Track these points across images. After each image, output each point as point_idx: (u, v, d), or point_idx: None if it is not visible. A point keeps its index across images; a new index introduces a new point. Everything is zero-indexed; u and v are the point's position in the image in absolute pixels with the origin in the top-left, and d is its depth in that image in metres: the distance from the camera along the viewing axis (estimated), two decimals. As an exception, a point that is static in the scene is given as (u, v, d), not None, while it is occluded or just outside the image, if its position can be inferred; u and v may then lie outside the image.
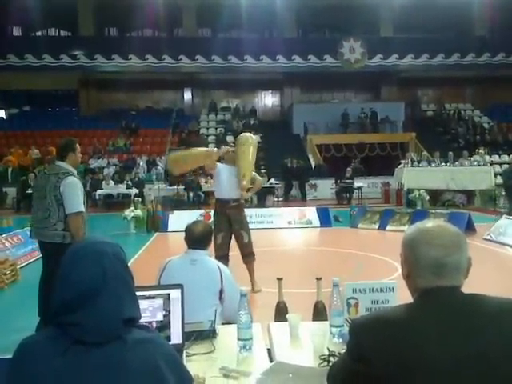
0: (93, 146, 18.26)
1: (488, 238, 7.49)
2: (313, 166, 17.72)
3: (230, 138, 19.18)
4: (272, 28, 22.87)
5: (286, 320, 1.96)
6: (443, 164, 13.04)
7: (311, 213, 10.14)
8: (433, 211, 8.99)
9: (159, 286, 1.92)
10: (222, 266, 2.73)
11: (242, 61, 20.32)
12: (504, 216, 7.80)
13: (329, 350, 1.66)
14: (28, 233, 6.05)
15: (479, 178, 12.34)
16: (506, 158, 17.97)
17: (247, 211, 9.67)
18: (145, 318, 1.77)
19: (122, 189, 14.53)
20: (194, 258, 2.67)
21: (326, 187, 16.05)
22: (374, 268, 6.00)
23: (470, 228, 7.95)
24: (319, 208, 10.44)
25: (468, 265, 1.19)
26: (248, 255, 4.93)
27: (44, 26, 20.53)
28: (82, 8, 20.60)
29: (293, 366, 1.52)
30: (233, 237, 5.01)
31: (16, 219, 9.03)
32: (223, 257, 4.81)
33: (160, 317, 1.78)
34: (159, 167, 16.99)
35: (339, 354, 1.59)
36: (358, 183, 14.71)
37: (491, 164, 14.34)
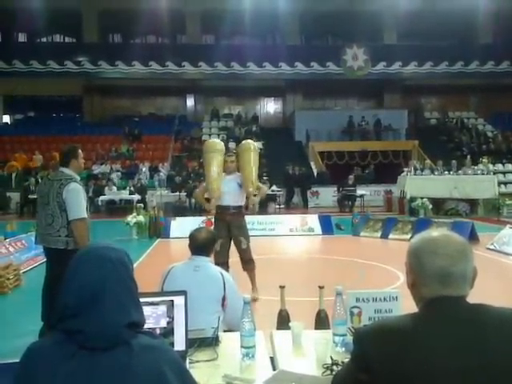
0: (96, 152, 18.33)
1: (491, 247, 7.45)
2: (315, 174, 17.73)
3: (232, 145, 19.22)
4: (275, 35, 23.01)
5: (288, 328, 1.96)
6: (446, 172, 13.02)
7: (313, 220, 10.12)
8: (436, 220, 8.94)
9: (163, 293, 1.93)
10: (224, 272, 2.73)
11: (245, 68, 20.43)
12: (508, 226, 7.76)
13: (332, 358, 1.65)
14: (32, 238, 6.08)
15: (483, 186, 12.30)
16: (510, 166, 17.91)
17: (249, 218, 9.73)
18: (148, 324, 1.78)
19: (125, 195, 14.57)
20: (197, 265, 2.68)
21: (328, 195, 16.03)
22: (377, 276, 5.98)
23: (473, 237, 7.90)
24: (321, 216, 10.42)
25: (473, 274, 1.19)
26: (247, 262, 4.90)
27: (49, 32, 20.74)
28: (86, 14, 20.78)
29: (296, 374, 1.52)
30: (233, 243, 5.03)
31: (20, 224, 9.05)
32: (223, 264, 4.80)
33: (164, 323, 1.78)
34: (161, 173, 17.03)
35: (342, 362, 1.59)
36: (360, 191, 14.69)
37: (495, 173, 14.30)
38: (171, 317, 1.79)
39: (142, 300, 1.78)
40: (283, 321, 2.77)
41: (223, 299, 2.56)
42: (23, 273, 6.11)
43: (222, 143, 5.12)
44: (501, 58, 20.85)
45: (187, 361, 1.72)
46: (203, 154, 5.08)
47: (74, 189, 3.41)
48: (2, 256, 6.21)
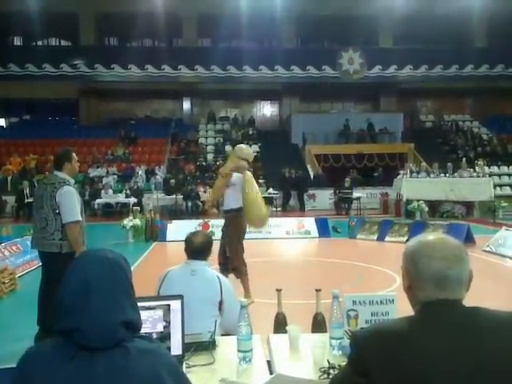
0: (92, 155, 18.29)
1: (488, 249, 7.48)
2: (311, 176, 17.75)
3: (228, 148, 19.24)
4: (271, 38, 23.06)
5: (285, 331, 1.96)
6: (442, 175, 13.08)
7: (310, 223, 10.13)
8: (432, 222, 8.99)
9: (159, 297, 1.92)
10: (221, 276, 2.72)
11: (241, 71, 20.46)
12: (504, 228, 7.79)
13: (329, 362, 1.65)
14: (27, 242, 6.06)
15: (478, 189, 12.35)
16: (505, 169, 18.03)
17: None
18: (145, 328, 1.77)
19: (121, 198, 14.53)
20: (193, 269, 2.66)
21: (324, 197, 16.06)
22: (373, 279, 5.99)
23: (469, 239, 7.94)
24: (318, 218, 10.43)
25: (469, 277, 1.19)
26: (233, 269, 4.82)
27: (45, 35, 20.65)
28: (82, 18, 20.77)
29: (293, 378, 1.51)
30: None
31: (15, 228, 9.02)
32: (221, 264, 4.85)
33: (160, 328, 1.78)
34: (158, 176, 17.01)
35: (339, 366, 1.59)
36: (356, 193, 14.72)
37: (490, 175, 14.37)
38: (168, 321, 1.79)
39: (138, 304, 1.78)
40: (280, 324, 2.77)
41: (220, 303, 2.55)
42: (19, 277, 6.08)
43: (243, 147, 5.20)
44: (495, 61, 20.97)
45: (184, 365, 1.71)
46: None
47: (68, 192, 3.42)
48: (-2, 260, 6.17)
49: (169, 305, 1.80)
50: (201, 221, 10.13)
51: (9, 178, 16.07)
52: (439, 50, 21.44)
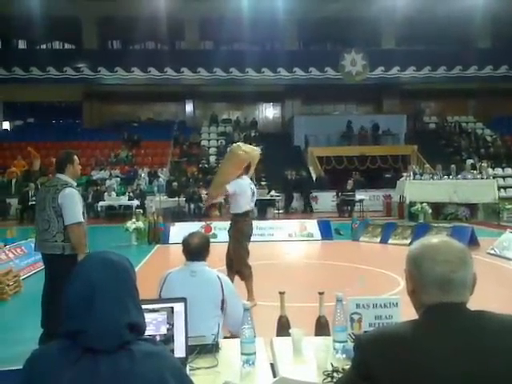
0: (95, 157, 18.35)
1: (492, 252, 7.43)
2: (314, 179, 17.74)
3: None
4: (273, 41, 23.10)
5: (288, 335, 1.96)
6: (446, 177, 13.03)
7: (312, 226, 10.10)
8: (435, 225, 8.93)
9: (163, 300, 1.93)
10: (222, 276, 2.73)
11: (244, 73, 20.49)
12: (508, 230, 7.75)
13: (332, 365, 1.65)
14: (31, 244, 6.07)
15: (482, 191, 12.30)
16: (509, 170, 17.94)
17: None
18: (149, 331, 1.77)
19: (124, 200, 14.56)
20: (193, 270, 2.67)
21: (327, 200, 16.04)
22: (377, 282, 5.97)
23: (473, 242, 7.89)
24: (320, 221, 10.40)
25: (473, 281, 1.19)
26: (237, 272, 4.87)
27: (48, 39, 20.79)
28: (85, 21, 20.88)
29: (296, 381, 1.51)
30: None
31: (19, 230, 9.05)
32: (228, 266, 4.91)
33: (164, 330, 1.79)
34: (161, 179, 17.04)
35: (343, 369, 1.58)
36: (359, 196, 14.69)
37: (494, 177, 14.30)
38: (171, 324, 1.79)
39: (142, 307, 1.78)
40: (283, 327, 2.75)
41: (222, 302, 2.56)
42: (23, 279, 6.10)
43: (242, 145, 5.03)
44: (499, 62, 20.94)
45: (187, 368, 1.72)
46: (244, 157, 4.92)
47: (70, 194, 3.43)
48: (2, 262, 6.20)
49: (172, 307, 1.81)
50: (203, 223, 10.14)
51: (13, 181, 16.14)
52: (442, 51, 21.42)
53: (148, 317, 1.76)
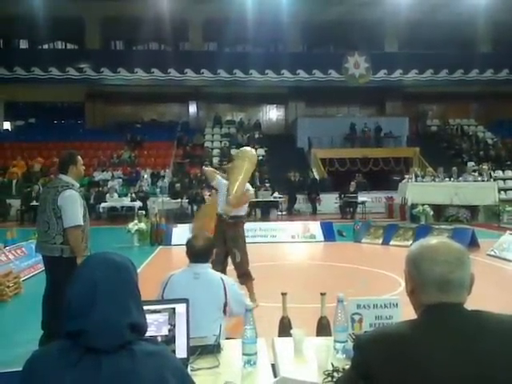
0: (98, 158, 18.36)
1: (492, 253, 7.46)
2: (317, 180, 17.74)
3: (234, 152, 19.28)
4: (277, 43, 23.13)
5: (290, 335, 1.96)
6: (447, 179, 13.05)
7: (315, 227, 10.11)
8: (436, 226, 8.97)
9: (165, 301, 1.94)
10: (225, 277, 2.75)
11: (248, 75, 20.52)
12: (508, 232, 7.77)
13: (333, 365, 1.66)
14: (32, 246, 6.08)
15: (483, 193, 12.32)
16: (509, 173, 17.95)
17: (251, 225, 9.73)
18: (150, 332, 1.78)
19: (126, 202, 14.56)
20: (197, 272, 2.68)
21: (330, 201, 16.04)
22: (378, 283, 5.98)
23: (473, 244, 7.94)
24: (323, 222, 10.41)
25: (471, 281, 1.20)
26: (242, 276, 4.75)
27: (51, 39, 20.76)
28: (88, 21, 20.90)
29: (297, 381, 1.52)
30: None
31: (20, 231, 9.06)
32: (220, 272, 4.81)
33: (165, 331, 1.79)
34: (164, 180, 17.05)
35: (343, 369, 1.59)
36: (361, 198, 14.69)
37: (495, 179, 14.32)
38: (173, 324, 1.80)
39: (144, 308, 1.80)
40: (285, 328, 2.77)
41: (225, 305, 2.57)
42: (23, 280, 6.10)
43: (254, 152, 5.11)
44: (500, 66, 20.93)
45: (189, 368, 1.73)
46: (235, 159, 5.01)
47: (70, 196, 3.39)
48: (2, 264, 6.19)
49: (174, 308, 1.82)
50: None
51: (13, 182, 16.15)
52: (444, 54, 21.42)
53: (150, 317, 1.77)
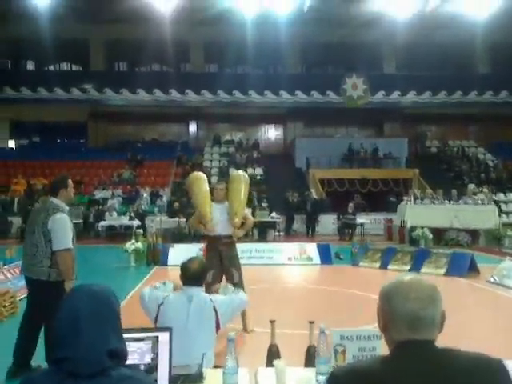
0: (98, 177, 18.47)
1: (491, 280, 7.32)
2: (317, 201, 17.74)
3: (232, 171, 19.35)
4: (276, 64, 23.47)
5: (276, 364, 1.97)
6: (446, 201, 13.00)
7: (312, 249, 10.01)
8: (435, 251, 8.85)
9: (148, 329, 1.95)
10: (213, 297, 2.85)
11: (247, 96, 20.78)
12: (508, 258, 7.67)
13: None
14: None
15: (483, 216, 12.24)
16: (511, 196, 17.92)
17: (247, 246, 9.72)
18: (133, 360, 1.80)
19: (125, 220, 14.58)
20: (190, 295, 2.77)
21: (328, 222, 16.01)
22: (372, 310, 5.88)
23: (473, 269, 7.83)
24: (320, 244, 10.31)
25: (442, 318, 1.22)
26: None
27: (57, 60, 21.19)
28: (93, 44, 21.34)
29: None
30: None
31: (20, 249, 9.02)
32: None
33: (148, 359, 1.80)
34: (163, 199, 17.09)
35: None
36: (360, 219, 14.66)
37: (497, 202, 14.26)
38: (156, 353, 1.81)
39: (127, 336, 1.83)
40: (273, 356, 2.76)
41: (217, 323, 2.70)
42: (20, 300, 6.06)
43: (202, 174, 5.23)
44: (499, 87, 21.14)
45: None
46: (189, 186, 5.15)
47: (60, 219, 3.39)
48: (0, 282, 6.19)
49: (157, 337, 1.83)
50: (202, 245, 10.11)
51: (16, 200, 16.20)
52: (443, 75, 21.69)
53: (133, 345, 1.79)
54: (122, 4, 16.04)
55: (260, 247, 10.38)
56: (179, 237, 13.52)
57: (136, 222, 14.25)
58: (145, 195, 17.16)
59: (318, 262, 9.72)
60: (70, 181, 3.63)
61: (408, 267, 8.29)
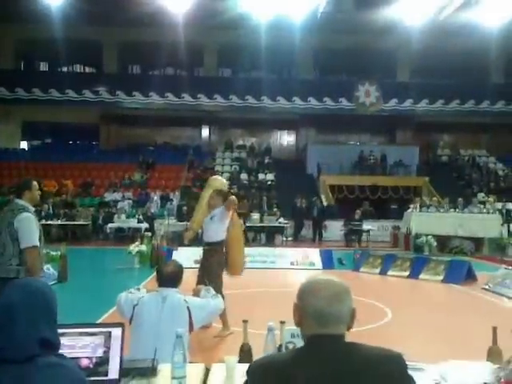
0: (109, 179, 18.71)
1: (486, 287, 7.37)
2: (324, 207, 17.73)
3: (243, 176, 19.49)
4: (290, 70, 23.56)
5: (250, 361, 2.02)
6: (452, 210, 12.96)
7: (314, 254, 10.11)
8: (434, 258, 8.91)
9: (101, 324, 2.05)
10: (188, 298, 2.94)
11: (259, 101, 20.89)
12: (503, 266, 7.67)
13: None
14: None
15: (487, 225, 12.22)
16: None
17: (251, 250, 9.79)
18: (86, 353, 1.89)
19: (133, 223, 14.75)
20: (164, 295, 2.89)
21: (335, 228, 15.98)
22: (364, 313, 5.86)
23: (470, 277, 7.85)
24: (322, 250, 10.41)
25: (351, 315, 1.30)
26: None
27: (69, 62, 21.54)
28: (106, 46, 21.61)
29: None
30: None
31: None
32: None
33: (100, 353, 1.89)
34: (173, 203, 17.24)
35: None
36: (366, 226, 14.63)
37: (506, 211, 14.14)
38: (108, 347, 1.90)
39: (81, 330, 1.93)
40: (245, 354, 2.83)
41: (190, 324, 2.79)
42: None
43: (217, 181, 5.21)
44: (512, 97, 20.92)
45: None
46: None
47: (26, 218, 3.49)
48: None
49: (110, 332, 1.92)
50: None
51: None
52: (456, 84, 21.52)
53: (86, 339, 1.90)
54: (136, 7, 16.24)
55: (264, 252, 10.47)
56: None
57: (144, 225, 14.40)
58: (155, 198, 17.32)
59: (320, 267, 9.76)
60: (34, 183, 3.75)
61: (407, 273, 8.33)
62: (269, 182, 19.38)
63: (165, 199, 17.54)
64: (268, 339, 1.94)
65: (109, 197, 17.29)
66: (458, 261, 8.68)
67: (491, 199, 13.80)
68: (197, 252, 9.50)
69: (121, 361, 1.88)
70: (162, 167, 20.16)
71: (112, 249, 12.72)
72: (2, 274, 3.47)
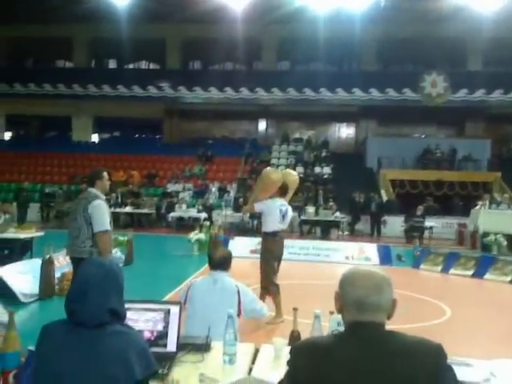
0: (171, 171, 19.48)
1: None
2: (382, 202, 17.29)
3: (299, 169, 19.44)
4: (351, 61, 23.09)
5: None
6: (524, 207, 12.18)
7: (371, 249, 9.92)
8: (502, 258, 8.40)
9: (161, 302, 2.21)
10: (240, 284, 3.13)
11: (317, 93, 20.68)
12: None
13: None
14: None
15: None
16: None
17: (306, 243, 9.83)
18: (148, 326, 2.06)
19: (193, 212, 15.28)
20: (215, 278, 3.11)
21: (396, 224, 15.53)
22: (422, 311, 5.77)
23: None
24: (380, 245, 10.18)
25: (392, 305, 1.35)
26: (263, 288, 5.03)
27: (135, 59, 22.63)
28: (169, 43, 22.38)
29: (257, 379, 1.67)
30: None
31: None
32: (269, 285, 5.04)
33: (160, 327, 2.06)
34: (230, 194, 17.63)
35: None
36: (429, 222, 14.08)
37: None
38: (167, 322, 2.05)
39: (143, 306, 2.11)
40: (294, 340, 2.90)
41: (239, 308, 2.97)
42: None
43: (273, 174, 5.25)
44: None
45: (175, 359, 1.96)
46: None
47: (99, 205, 3.86)
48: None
49: (169, 309, 2.07)
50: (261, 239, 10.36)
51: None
52: (532, 73, 20.07)
53: (148, 315, 2.08)
54: (197, 5, 16.72)
55: (319, 245, 10.45)
56: (243, 230, 13.90)
57: (203, 215, 14.87)
58: (213, 190, 17.81)
59: (377, 262, 9.57)
60: (105, 173, 4.11)
61: (471, 272, 7.98)
62: (325, 176, 19.18)
63: (222, 191, 17.97)
64: (315, 325, 1.99)
65: (171, 187, 18.01)
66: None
67: None
68: (252, 242, 9.79)
69: (178, 336, 2.02)
70: (220, 160, 20.59)
71: (173, 236, 13.25)
72: (77, 255, 3.89)
